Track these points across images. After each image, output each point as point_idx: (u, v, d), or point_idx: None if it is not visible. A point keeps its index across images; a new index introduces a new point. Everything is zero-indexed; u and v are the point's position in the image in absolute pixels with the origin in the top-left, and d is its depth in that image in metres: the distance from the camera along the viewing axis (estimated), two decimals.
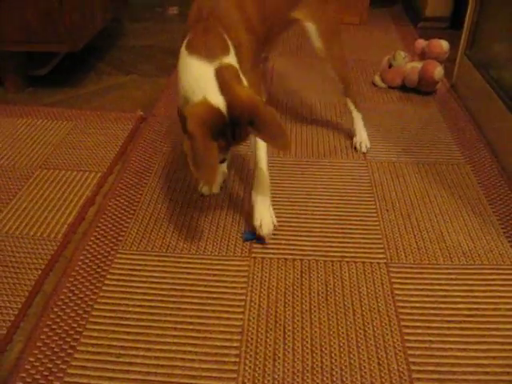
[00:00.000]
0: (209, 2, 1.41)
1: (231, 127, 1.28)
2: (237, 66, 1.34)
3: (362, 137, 1.98)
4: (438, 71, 2.31)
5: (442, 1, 3.27)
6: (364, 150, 1.95)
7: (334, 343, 1.22)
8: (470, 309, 1.31)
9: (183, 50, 1.36)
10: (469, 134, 2.08)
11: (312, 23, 1.76)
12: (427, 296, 1.35)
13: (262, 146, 1.53)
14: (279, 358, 1.18)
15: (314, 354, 1.19)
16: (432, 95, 2.39)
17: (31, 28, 2.17)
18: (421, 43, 2.48)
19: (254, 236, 1.52)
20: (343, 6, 3.30)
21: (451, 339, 1.23)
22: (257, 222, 1.50)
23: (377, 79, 2.48)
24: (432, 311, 1.30)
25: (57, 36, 2.18)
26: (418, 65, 2.38)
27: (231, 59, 1.33)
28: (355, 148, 1.96)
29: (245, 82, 1.33)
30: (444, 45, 2.39)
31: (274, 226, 1.53)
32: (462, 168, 1.87)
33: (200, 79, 1.29)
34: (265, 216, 1.51)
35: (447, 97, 2.39)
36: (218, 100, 1.26)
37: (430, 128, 2.13)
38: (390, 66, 2.43)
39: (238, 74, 1.33)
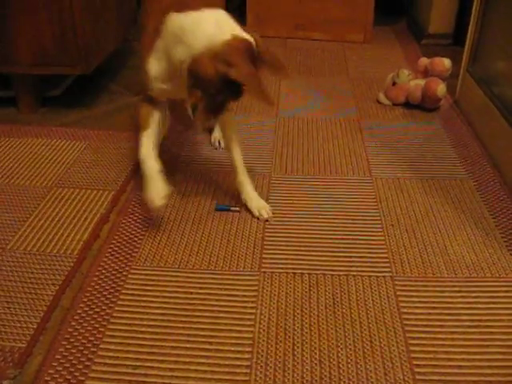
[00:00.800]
0: None
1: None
2: None
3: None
4: (441, 88, 2.37)
5: (444, 18, 3.33)
6: (217, 146, 2.09)
7: (342, 354, 1.26)
8: (473, 320, 1.35)
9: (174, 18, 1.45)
10: (472, 149, 2.13)
11: None
12: (432, 308, 1.39)
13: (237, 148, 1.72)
14: (289, 368, 1.23)
15: (323, 365, 1.23)
16: (435, 111, 2.44)
17: (45, 51, 2.24)
18: (423, 61, 2.54)
19: (227, 207, 1.76)
20: (347, 25, 3.37)
21: (455, 350, 1.27)
22: (256, 213, 1.72)
23: (381, 97, 2.54)
24: (436, 323, 1.34)
25: (70, 59, 2.25)
26: (421, 82, 2.43)
27: None
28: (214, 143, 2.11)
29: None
30: (446, 62, 2.45)
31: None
32: (466, 183, 1.91)
33: (216, 23, 1.39)
34: (260, 206, 1.73)
35: (450, 113, 2.44)
36: (248, 36, 1.38)
37: (434, 144, 2.18)
38: (394, 83, 2.49)
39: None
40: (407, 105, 2.48)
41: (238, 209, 1.75)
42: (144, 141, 1.65)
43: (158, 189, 1.60)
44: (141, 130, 1.65)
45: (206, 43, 1.36)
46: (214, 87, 1.36)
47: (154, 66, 1.58)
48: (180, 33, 1.42)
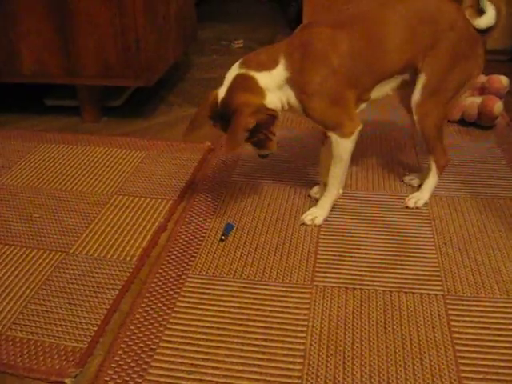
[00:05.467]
0: None
1: (222, 116, 1.62)
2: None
3: (422, 195, 1.89)
4: (498, 106, 2.35)
5: (502, 34, 3.28)
6: (411, 204, 1.86)
7: (392, 370, 1.28)
8: None
9: None
10: None
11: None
12: (483, 328, 1.39)
13: (334, 161, 1.73)
14: (339, 381, 1.25)
15: (373, 380, 1.25)
16: (491, 129, 2.42)
17: (110, 64, 2.34)
18: (480, 78, 2.51)
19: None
20: None
21: (506, 371, 1.26)
22: (303, 216, 1.81)
23: None
24: (488, 343, 1.34)
25: (133, 71, 2.34)
26: (477, 99, 2.42)
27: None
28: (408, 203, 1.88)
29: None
30: (503, 80, 2.43)
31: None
32: None
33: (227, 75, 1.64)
34: (312, 212, 1.80)
35: (506, 131, 2.42)
36: (220, 94, 1.62)
37: (489, 162, 2.16)
38: None
39: (254, 84, 1.60)
40: (462, 122, 2.47)
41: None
42: None
43: None
44: None
45: None
46: None
47: None
48: None
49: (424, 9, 1.67)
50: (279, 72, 1.60)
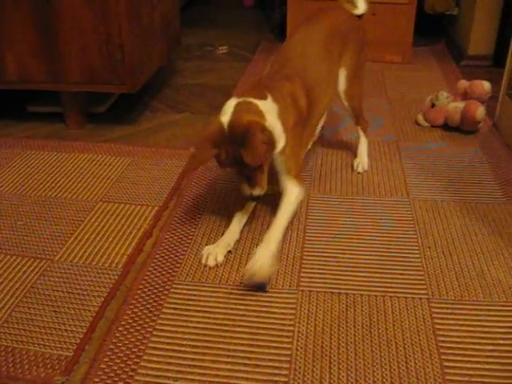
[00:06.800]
0: None
1: (231, 145, 1.57)
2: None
3: (363, 159, 2.20)
4: (480, 111, 2.38)
5: (484, 39, 3.33)
6: (360, 170, 2.17)
7: (378, 374, 1.28)
8: (509, 345, 1.35)
9: None
10: (510, 172, 2.13)
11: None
12: (467, 331, 1.40)
13: (285, 206, 1.69)
14: None
15: None
16: (474, 134, 2.45)
17: (93, 70, 2.34)
18: (463, 84, 2.55)
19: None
20: (386, 45, 3.40)
21: (490, 374, 1.28)
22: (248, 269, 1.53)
23: (420, 118, 2.55)
24: (472, 346, 1.35)
25: (117, 78, 2.34)
26: (460, 105, 2.45)
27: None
28: (353, 168, 2.19)
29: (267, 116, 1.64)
30: (486, 86, 2.46)
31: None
32: (503, 206, 1.92)
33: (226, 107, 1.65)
34: (259, 265, 1.52)
35: (489, 136, 2.45)
36: (224, 119, 1.59)
37: (472, 167, 2.19)
38: (433, 105, 2.50)
39: (256, 108, 1.63)
40: (446, 127, 2.49)
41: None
42: None
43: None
44: None
45: None
46: None
47: None
48: None
49: (337, 24, 2.02)
50: (270, 103, 1.67)
